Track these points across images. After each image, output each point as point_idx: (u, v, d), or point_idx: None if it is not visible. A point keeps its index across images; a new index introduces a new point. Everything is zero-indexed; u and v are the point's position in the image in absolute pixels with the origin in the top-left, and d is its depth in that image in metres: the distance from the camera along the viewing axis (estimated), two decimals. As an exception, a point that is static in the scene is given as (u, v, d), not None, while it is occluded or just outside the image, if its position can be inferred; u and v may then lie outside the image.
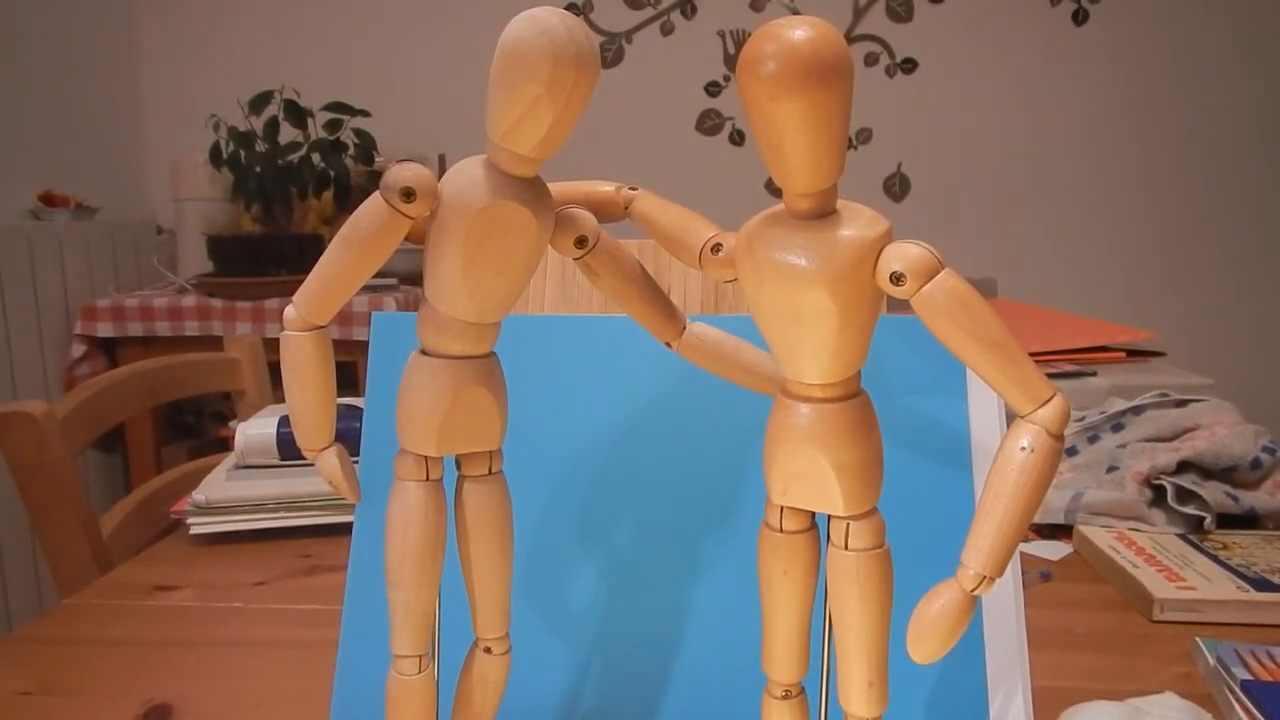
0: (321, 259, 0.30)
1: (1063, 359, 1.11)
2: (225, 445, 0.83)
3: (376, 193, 0.29)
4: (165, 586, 0.69)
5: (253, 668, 0.57)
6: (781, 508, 0.30)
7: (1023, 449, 0.26)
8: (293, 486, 0.79)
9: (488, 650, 0.35)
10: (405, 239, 0.30)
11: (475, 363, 0.31)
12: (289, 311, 0.31)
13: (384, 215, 0.29)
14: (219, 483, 0.79)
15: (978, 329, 0.26)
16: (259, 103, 1.94)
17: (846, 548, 0.29)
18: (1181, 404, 0.84)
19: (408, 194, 0.28)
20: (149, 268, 2.20)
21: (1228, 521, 0.75)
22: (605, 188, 0.35)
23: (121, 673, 0.56)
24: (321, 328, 0.31)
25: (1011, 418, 0.28)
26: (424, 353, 0.32)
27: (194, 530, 0.77)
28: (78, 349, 1.91)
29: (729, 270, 0.31)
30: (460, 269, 0.29)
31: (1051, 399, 0.26)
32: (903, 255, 0.26)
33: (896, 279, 0.26)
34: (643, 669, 0.44)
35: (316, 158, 1.99)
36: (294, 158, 1.97)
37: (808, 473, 0.29)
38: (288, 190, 1.98)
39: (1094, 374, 1.06)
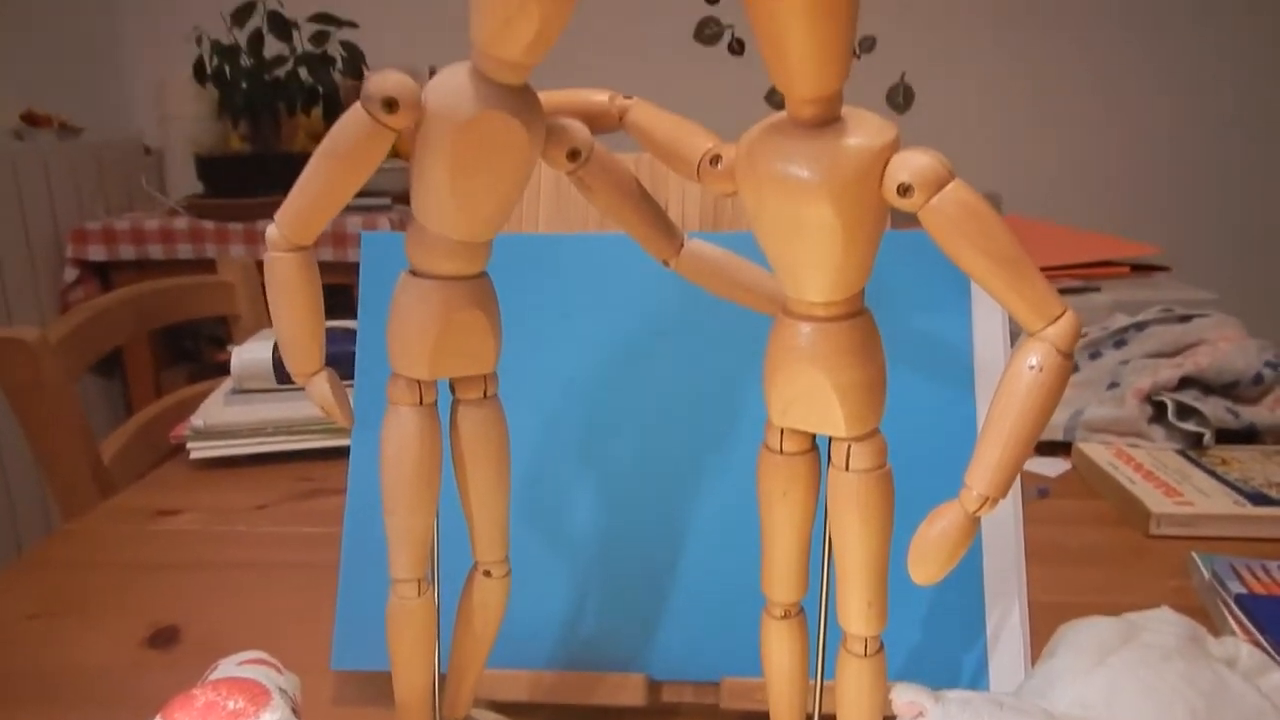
0: (302, 175, 0.28)
1: (1066, 274, 1.09)
2: (224, 369, 0.82)
3: (357, 103, 0.27)
4: (167, 511, 0.70)
5: (257, 590, 0.58)
6: (781, 429, 0.30)
7: (1031, 367, 0.25)
8: (291, 410, 0.78)
9: (487, 574, 0.35)
10: (396, 155, 0.28)
11: (466, 283, 0.30)
12: (271, 232, 0.29)
13: (366, 127, 0.27)
14: (217, 407, 0.79)
15: (989, 244, 0.25)
16: (242, 15, 1.87)
17: (847, 469, 0.28)
18: (1185, 319, 0.83)
19: (390, 104, 0.27)
20: (138, 189, 2.16)
21: (1227, 437, 0.75)
22: (598, 96, 0.33)
23: (127, 596, 0.57)
24: (306, 248, 0.30)
25: (1016, 336, 0.27)
26: (413, 273, 0.31)
27: (194, 455, 0.77)
28: (70, 274, 1.88)
29: (728, 183, 0.30)
30: (448, 184, 0.28)
31: (1062, 315, 0.25)
32: (911, 165, 0.25)
33: (904, 190, 0.25)
34: (642, 591, 0.44)
35: (304, 72, 1.93)
36: (280, 72, 1.91)
37: (809, 394, 0.28)
38: (275, 106, 1.93)
39: (1098, 289, 1.05)
